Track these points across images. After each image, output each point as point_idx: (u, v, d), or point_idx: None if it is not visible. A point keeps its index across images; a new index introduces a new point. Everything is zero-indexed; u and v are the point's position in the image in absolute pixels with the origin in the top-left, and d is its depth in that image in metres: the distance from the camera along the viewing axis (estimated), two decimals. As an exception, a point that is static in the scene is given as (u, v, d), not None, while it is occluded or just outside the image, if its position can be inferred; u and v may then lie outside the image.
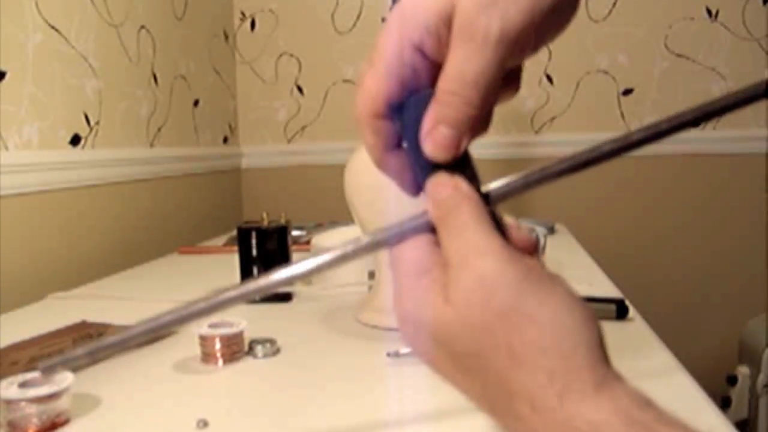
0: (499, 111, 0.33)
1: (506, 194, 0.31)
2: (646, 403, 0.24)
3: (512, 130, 1.82)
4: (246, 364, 0.66)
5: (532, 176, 0.31)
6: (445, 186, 0.30)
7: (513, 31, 0.28)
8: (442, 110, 0.29)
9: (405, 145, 0.32)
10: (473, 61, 0.28)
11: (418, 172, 0.32)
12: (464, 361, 0.27)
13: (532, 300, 0.26)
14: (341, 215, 0.92)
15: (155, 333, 0.33)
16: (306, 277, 0.32)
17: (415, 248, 0.30)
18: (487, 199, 0.31)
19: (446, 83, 0.29)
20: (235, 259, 0.91)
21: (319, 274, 0.32)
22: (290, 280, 0.32)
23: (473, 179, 0.31)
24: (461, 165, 0.31)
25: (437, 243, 0.30)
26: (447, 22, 0.29)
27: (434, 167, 0.31)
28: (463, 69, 0.29)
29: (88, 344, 0.34)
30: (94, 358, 0.34)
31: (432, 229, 0.31)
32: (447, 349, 0.28)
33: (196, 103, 1.67)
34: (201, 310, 0.32)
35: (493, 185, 0.31)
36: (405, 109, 0.31)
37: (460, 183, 0.30)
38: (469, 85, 0.29)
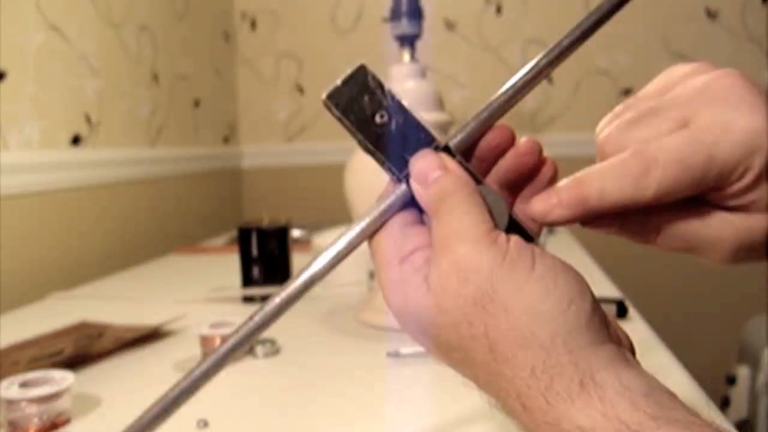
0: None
1: (467, 142, 0.30)
2: (644, 395, 0.23)
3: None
4: (246, 364, 0.66)
5: (483, 113, 0.30)
6: (431, 167, 0.27)
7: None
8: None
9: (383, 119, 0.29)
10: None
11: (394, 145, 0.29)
12: (451, 354, 0.26)
13: (506, 287, 0.24)
14: (341, 215, 0.92)
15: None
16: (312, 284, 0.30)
17: (389, 236, 0.28)
18: (449, 151, 0.29)
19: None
20: (235, 259, 0.91)
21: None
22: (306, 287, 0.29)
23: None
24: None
25: (414, 222, 0.29)
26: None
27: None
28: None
29: None
30: None
31: (406, 204, 0.29)
32: (434, 342, 0.27)
33: (196, 103, 1.67)
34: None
35: (452, 140, 0.29)
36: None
37: (447, 162, 0.28)
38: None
